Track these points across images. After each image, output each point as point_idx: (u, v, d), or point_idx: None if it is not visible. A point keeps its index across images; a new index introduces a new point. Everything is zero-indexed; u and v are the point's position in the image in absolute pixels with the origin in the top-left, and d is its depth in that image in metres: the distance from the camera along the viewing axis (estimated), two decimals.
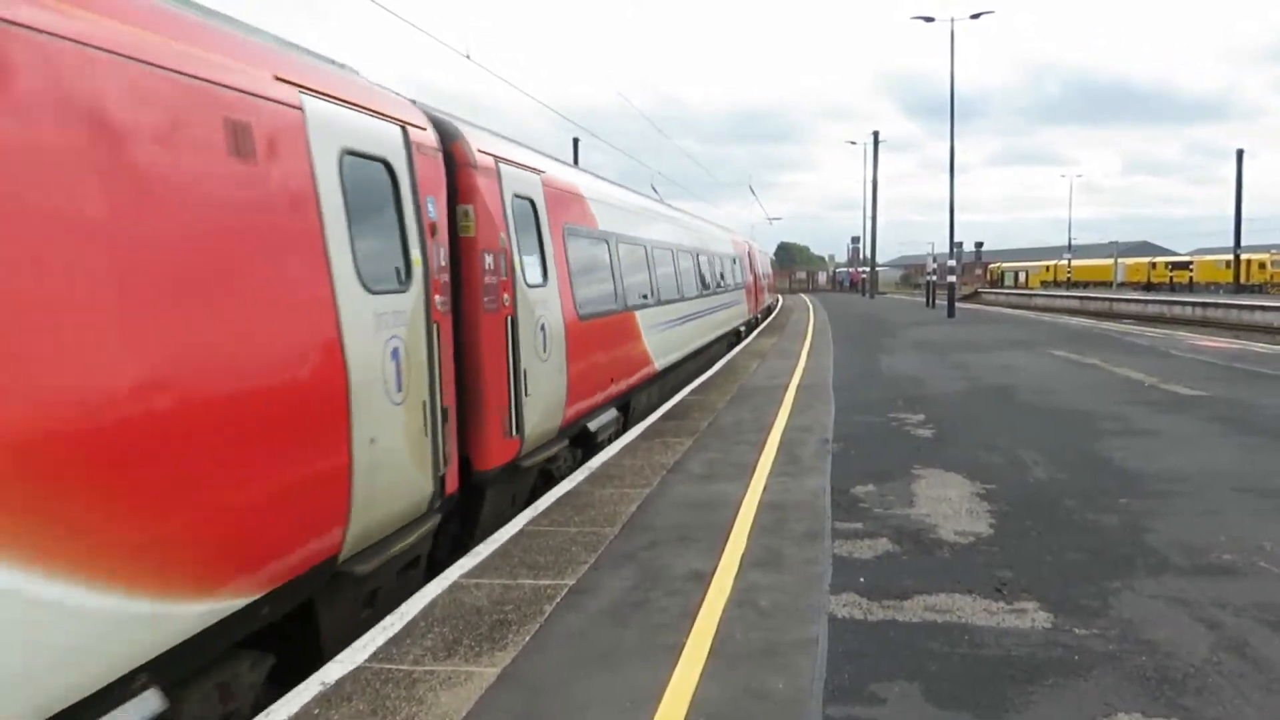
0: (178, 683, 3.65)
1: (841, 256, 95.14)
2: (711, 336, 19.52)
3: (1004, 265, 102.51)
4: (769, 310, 42.17)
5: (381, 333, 5.10)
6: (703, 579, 5.18)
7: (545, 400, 7.84)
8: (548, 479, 8.26)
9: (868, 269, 65.77)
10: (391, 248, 5.47)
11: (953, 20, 33.78)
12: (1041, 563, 5.40)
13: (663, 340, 13.41)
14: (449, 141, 6.58)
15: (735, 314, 24.86)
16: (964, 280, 70.58)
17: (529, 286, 7.66)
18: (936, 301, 41.46)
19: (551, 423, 8.10)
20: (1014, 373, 15.26)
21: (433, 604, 4.91)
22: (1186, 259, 78.08)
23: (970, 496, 6.99)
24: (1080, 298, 58.34)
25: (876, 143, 58.37)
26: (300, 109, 4.60)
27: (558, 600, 4.91)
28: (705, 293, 18.77)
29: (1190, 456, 8.24)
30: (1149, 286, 72.06)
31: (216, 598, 3.74)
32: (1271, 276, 61.92)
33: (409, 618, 4.71)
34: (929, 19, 34.51)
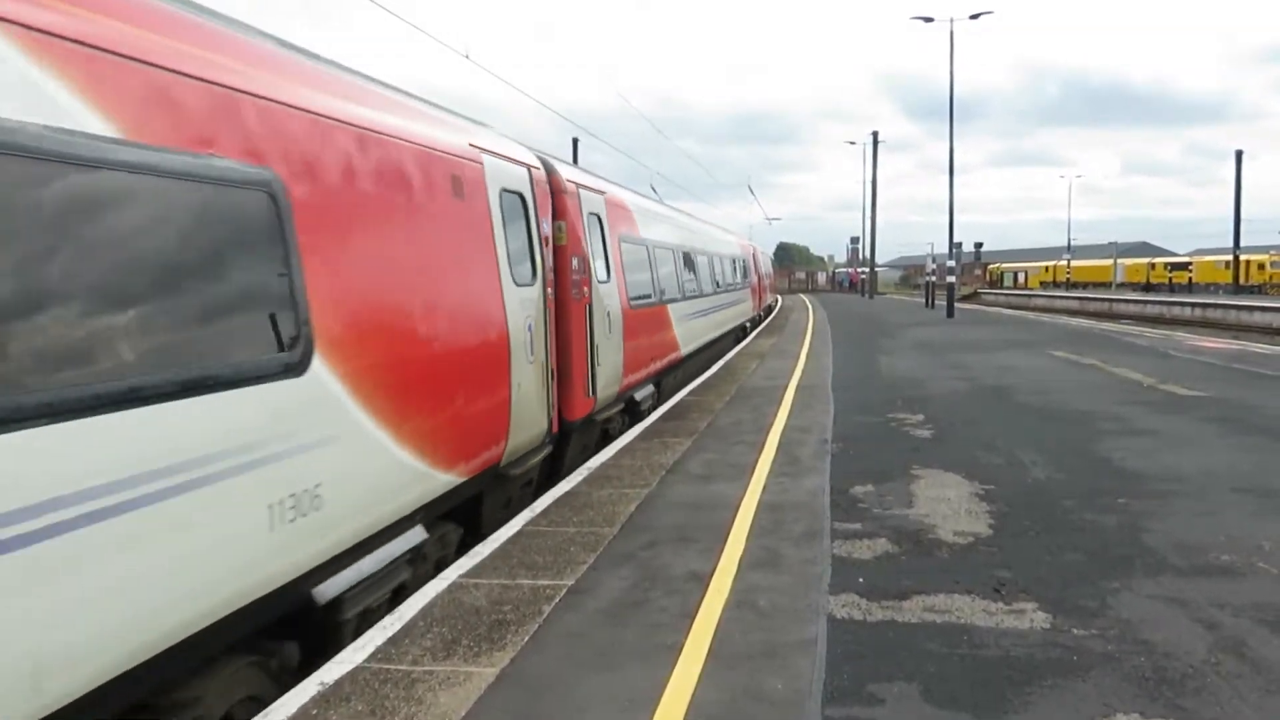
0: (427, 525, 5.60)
1: (841, 257, 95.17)
2: (724, 329, 22.14)
3: (1003, 266, 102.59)
4: (769, 309, 43.29)
5: (522, 312, 7.24)
6: (701, 579, 5.18)
7: (609, 371, 10.04)
8: (605, 436, 10.37)
9: (867, 269, 65.80)
10: (526, 254, 7.59)
11: (952, 21, 33.84)
12: (1040, 563, 5.40)
13: (687, 330, 15.78)
14: (550, 175, 8.74)
15: (743, 310, 27.46)
16: (963, 281, 70.58)
17: (599, 282, 9.80)
18: (935, 302, 41.49)
19: (613, 389, 10.28)
20: (1013, 373, 15.27)
21: (431, 604, 4.91)
22: (1186, 260, 78.18)
23: (969, 497, 6.99)
24: (1079, 298, 58.38)
25: (876, 143, 58.40)
26: (481, 163, 6.81)
27: (556, 600, 4.91)
28: (719, 290, 21.11)
29: (1189, 457, 8.25)
30: (1148, 287, 72.12)
31: (449, 474, 5.81)
32: (1271, 277, 61.98)
33: (407, 618, 4.71)
34: (928, 19, 34.54)
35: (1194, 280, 68.79)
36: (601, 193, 10.77)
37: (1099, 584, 5.01)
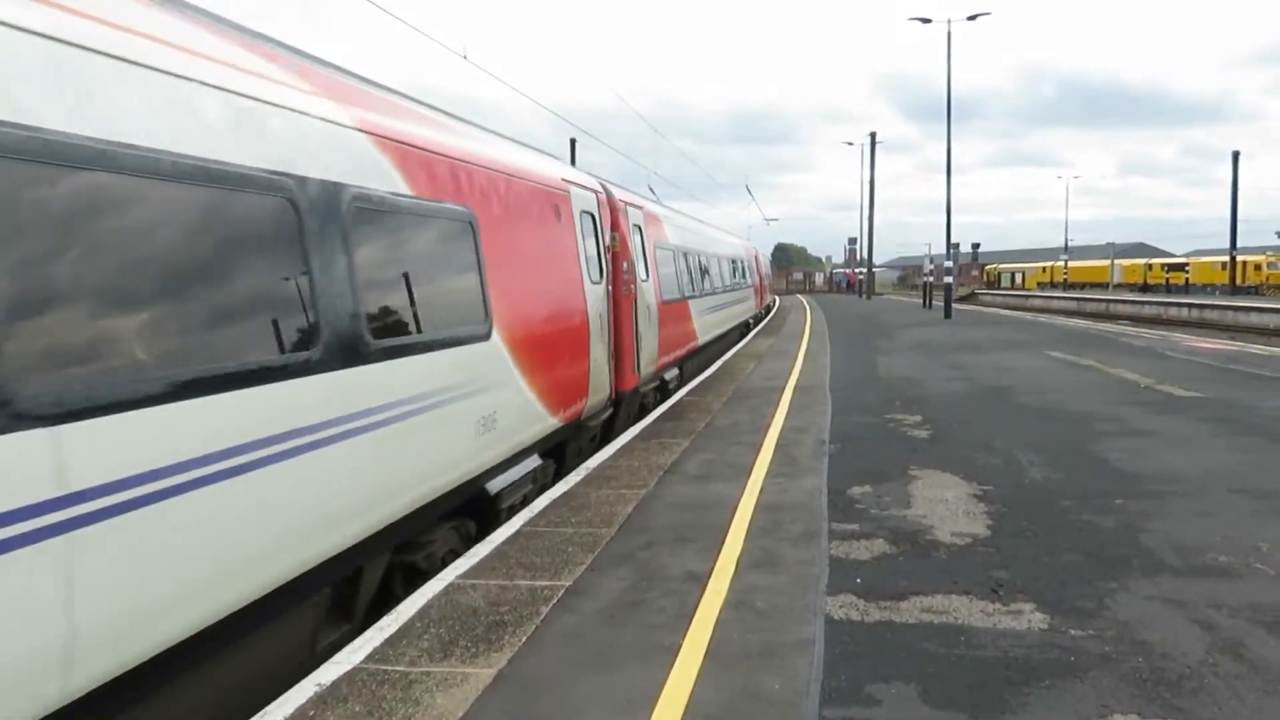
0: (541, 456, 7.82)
1: (838, 257, 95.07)
2: (733, 324, 24.80)
3: (1001, 266, 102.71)
4: (769, 309, 44.50)
5: (596, 304, 9.71)
6: (699, 580, 5.18)
7: (649, 354, 12.36)
8: (643, 409, 12.67)
9: (864, 270, 65.83)
10: (596, 259, 10.10)
11: (949, 22, 33.84)
12: (1038, 564, 5.40)
13: (703, 322, 18.41)
14: (607, 195, 11.17)
15: (747, 308, 30.41)
16: (961, 281, 70.66)
17: (640, 281, 12.11)
18: (933, 302, 41.52)
19: (651, 368, 12.62)
20: (1010, 374, 15.28)
21: (429, 605, 4.90)
22: (1183, 260, 78.25)
23: (967, 497, 6.99)
24: (1077, 299, 58.44)
25: (874, 144, 58.42)
26: (568, 192, 9.30)
27: (554, 601, 4.91)
28: (728, 289, 23.85)
29: (1186, 457, 8.26)
30: (1145, 288, 72.22)
31: (554, 419, 8.06)
32: (1267, 278, 62.06)
33: (405, 618, 4.70)
34: (926, 20, 34.55)
35: (1191, 281, 68.87)
36: (640, 207, 13.27)
37: (1096, 584, 5.01)
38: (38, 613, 2.88)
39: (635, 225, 12.26)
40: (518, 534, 6.23)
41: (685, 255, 16.91)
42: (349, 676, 4.03)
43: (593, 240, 10.06)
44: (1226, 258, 60.00)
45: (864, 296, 62.60)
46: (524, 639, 4.40)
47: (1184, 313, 43.82)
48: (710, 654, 4.16)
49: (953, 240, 36.67)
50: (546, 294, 8.17)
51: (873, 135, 58.09)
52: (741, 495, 7.12)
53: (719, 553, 5.67)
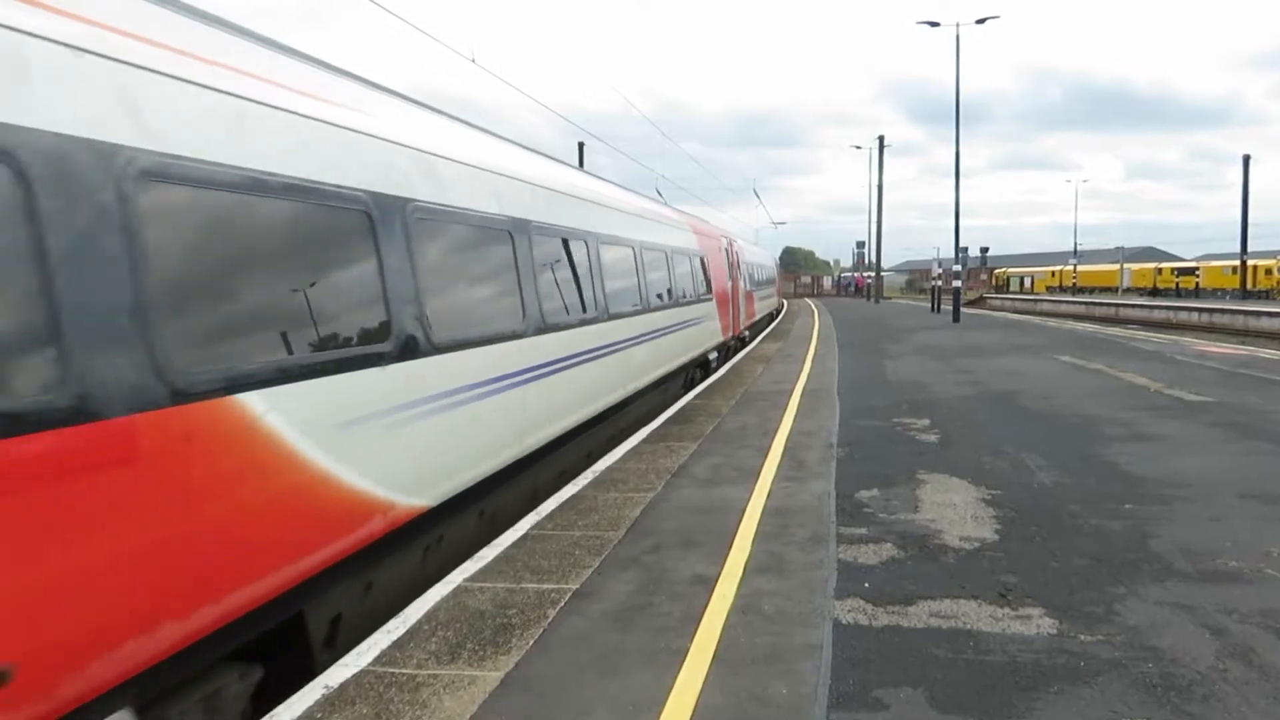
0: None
1: (846, 261, 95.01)
2: (771, 307, 41.25)
3: (1009, 270, 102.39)
4: (779, 309, 48.81)
5: (739, 291, 23.81)
6: (707, 584, 5.18)
7: (742, 320, 24.41)
8: (728, 354, 21.38)
9: (872, 274, 65.71)
10: (735, 274, 23.23)
11: (958, 25, 33.78)
12: (1046, 568, 5.38)
13: (760, 305, 32.64)
14: (730, 238, 24.41)
15: (774, 302, 44.02)
16: (969, 285, 70.43)
17: (740, 280, 24.06)
18: (941, 306, 41.41)
19: (740, 328, 23.86)
20: (1019, 378, 15.23)
21: (436, 607, 4.91)
22: (1193, 264, 77.84)
23: (975, 502, 6.97)
24: (1086, 303, 58.22)
25: (882, 147, 58.32)
26: (732, 240, 25.03)
27: (561, 604, 4.91)
28: (766, 284, 37.48)
29: (1196, 462, 8.22)
30: (1155, 292, 71.87)
31: (722, 337, 20.16)
32: (1278, 282, 61.70)
33: (412, 621, 4.71)
34: (935, 24, 34.51)
35: (1201, 285, 68.51)
36: (734, 240, 25.80)
37: (1105, 589, 4.99)
38: (517, 411, 6.96)
39: (737, 250, 24.73)
40: (525, 537, 6.23)
41: (749, 265, 28.84)
42: (356, 679, 4.04)
43: (733, 262, 22.73)
44: (1237, 262, 59.70)
45: (872, 300, 62.49)
46: (531, 642, 4.40)
47: (1194, 317, 43.62)
48: (717, 658, 4.16)
49: (961, 244, 36.59)
50: (729, 287, 20.37)
51: (880, 139, 58.01)
52: (749, 499, 7.11)
53: (726, 556, 5.67)
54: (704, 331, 17.19)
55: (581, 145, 36.07)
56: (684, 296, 15.11)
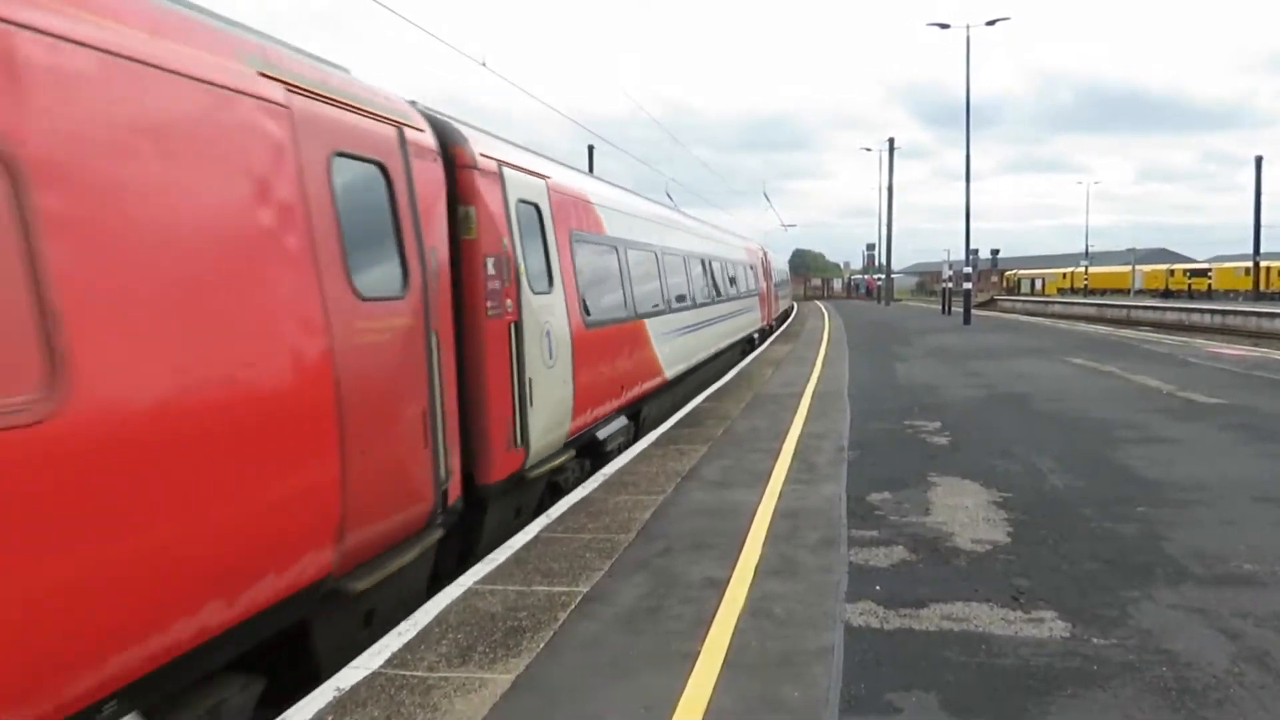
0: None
1: (856, 263, 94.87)
2: (789, 301, 49.64)
3: (1020, 272, 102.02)
4: (791, 310, 51.35)
5: (774, 291, 35.01)
6: (717, 586, 5.17)
7: (771, 312, 32.36)
8: (765, 335, 29.26)
9: (883, 276, 65.54)
10: (769, 278, 31.88)
11: (968, 27, 33.72)
12: (1059, 571, 5.36)
13: (780, 303, 38.96)
14: (764, 251, 33.72)
15: (789, 302, 50.61)
16: (980, 287, 70.21)
17: (771, 282, 32.56)
18: (952, 309, 41.28)
19: (770, 318, 31.88)
20: (1030, 380, 15.17)
21: (447, 610, 4.92)
22: (1205, 266, 77.39)
23: (986, 504, 6.94)
24: (1098, 305, 57.94)
25: (892, 150, 58.19)
26: (762, 251, 32.55)
27: (572, 607, 4.91)
28: (783, 286, 44.04)
29: (1209, 465, 8.17)
30: (1167, 294, 71.46)
31: (747, 332, 24.70)
32: None
33: (423, 624, 4.72)
34: (945, 26, 34.45)
35: (1213, 287, 68.10)
36: (767, 250, 34.33)
37: (1118, 593, 4.96)
38: (660, 352, 12.00)
39: (766, 259, 32.62)
40: (535, 539, 6.24)
41: (777, 272, 39.87)
42: (368, 681, 4.05)
43: (765, 273, 30.54)
44: (1249, 263, 59.33)
45: (883, 303, 62.34)
46: (542, 645, 4.40)
47: (1207, 319, 43.35)
48: (728, 661, 4.15)
49: (971, 246, 36.47)
50: (763, 284, 29.29)
51: (891, 141, 57.85)
52: (760, 501, 7.10)
53: (737, 559, 5.66)
54: (752, 318, 25.88)
55: (591, 149, 36.15)
56: (743, 293, 23.70)
